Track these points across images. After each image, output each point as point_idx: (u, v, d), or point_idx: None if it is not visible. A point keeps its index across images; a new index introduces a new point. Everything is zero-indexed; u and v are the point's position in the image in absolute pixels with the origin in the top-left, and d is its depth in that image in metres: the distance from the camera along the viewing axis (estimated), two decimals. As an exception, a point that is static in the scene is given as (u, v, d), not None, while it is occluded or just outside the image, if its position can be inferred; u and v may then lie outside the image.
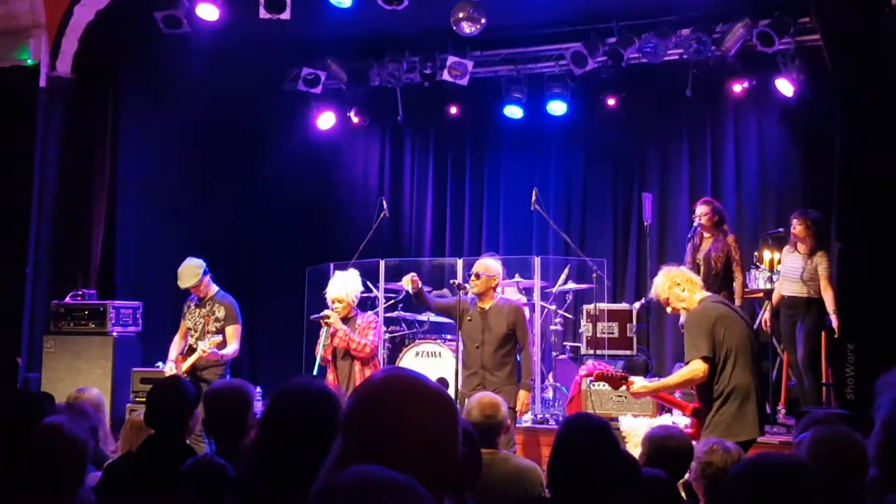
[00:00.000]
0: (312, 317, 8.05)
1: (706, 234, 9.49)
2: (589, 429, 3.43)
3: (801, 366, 9.13)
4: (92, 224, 10.10)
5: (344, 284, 7.97)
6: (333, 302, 7.87)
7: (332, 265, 10.21)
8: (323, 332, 7.79)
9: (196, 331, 8.11)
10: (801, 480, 2.59)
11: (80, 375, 8.87)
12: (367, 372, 7.76)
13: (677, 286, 6.31)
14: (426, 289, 8.29)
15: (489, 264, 8.03)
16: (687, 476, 4.43)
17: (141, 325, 9.64)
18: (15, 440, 3.52)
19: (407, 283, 7.90)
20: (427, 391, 1.89)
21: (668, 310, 6.58)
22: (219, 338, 7.91)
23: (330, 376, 7.89)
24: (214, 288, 8.21)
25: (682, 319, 6.88)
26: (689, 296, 6.29)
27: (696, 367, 6.03)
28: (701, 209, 9.50)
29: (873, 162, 7.81)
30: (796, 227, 9.17)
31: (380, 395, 1.88)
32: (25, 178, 9.63)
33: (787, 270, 9.32)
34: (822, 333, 8.98)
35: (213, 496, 3.51)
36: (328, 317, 7.74)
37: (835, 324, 8.73)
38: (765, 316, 9.63)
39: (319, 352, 7.78)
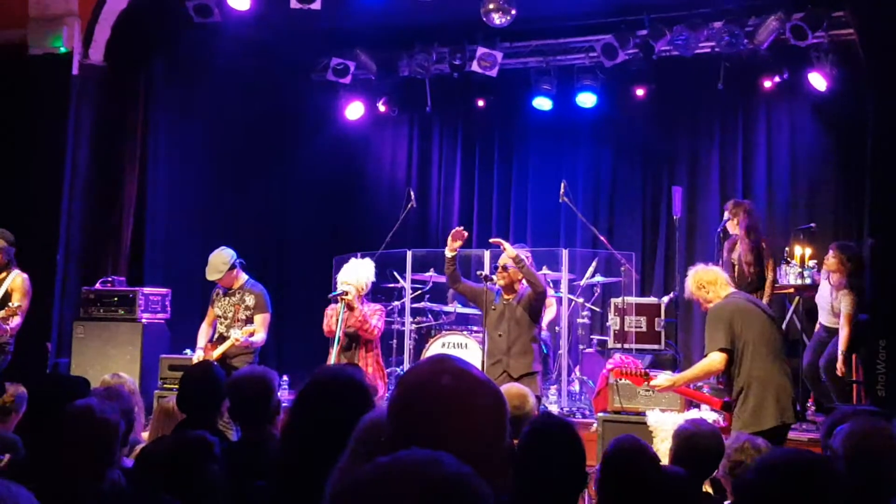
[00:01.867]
0: (330, 295, 8.07)
1: (740, 236, 9.39)
2: (556, 430, 3.46)
3: (824, 366, 9.06)
4: (122, 211, 10.18)
5: (355, 271, 8.02)
6: (342, 283, 7.92)
7: (359, 255, 10.26)
8: (340, 308, 7.83)
9: (226, 318, 8.16)
10: (818, 475, 2.61)
11: (109, 361, 8.94)
12: (370, 359, 7.89)
13: (702, 289, 6.50)
14: None
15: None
16: (716, 472, 4.43)
17: (169, 312, 9.70)
18: (54, 422, 3.58)
19: (452, 241, 7.88)
20: (475, 380, 1.88)
21: (702, 308, 6.73)
22: (252, 327, 7.97)
23: (340, 358, 7.95)
24: (244, 277, 8.26)
25: None
26: (714, 295, 6.44)
27: (713, 359, 6.18)
28: (727, 216, 9.40)
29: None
30: (830, 259, 8.96)
31: (429, 382, 1.87)
32: (57, 165, 9.71)
33: (821, 299, 9.25)
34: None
35: (200, 468, 3.59)
36: (346, 293, 7.79)
37: (840, 364, 8.65)
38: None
39: (338, 329, 7.79)
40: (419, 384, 1.88)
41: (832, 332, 9.09)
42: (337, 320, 7.79)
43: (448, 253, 7.90)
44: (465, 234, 7.97)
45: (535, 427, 3.50)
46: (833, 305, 9.03)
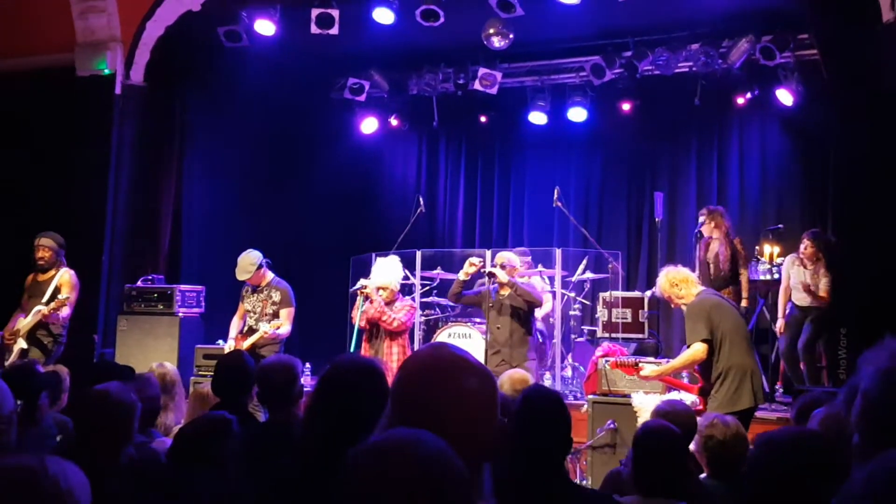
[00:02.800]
0: (352, 290, 8.09)
1: (714, 237, 9.37)
2: (548, 400, 3.47)
3: (801, 349, 9.03)
4: (161, 216, 10.21)
5: (388, 272, 8.02)
6: (378, 289, 7.91)
7: (373, 255, 10.27)
8: (359, 300, 7.85)
9: (255, 313, 8.18)
10: (817, 449, 2.64)
11: (149, 351, 8.97)
12: (395, 348, 7.86)
13: (675, 286, 6.53)
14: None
15: (511, 257, 8.13)
16: (691, 447, 4.45)
17: (204, 307, 9.72)
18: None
19: (469, 267, 7.90)
20: (469, 365, 1.89)
21: (673, 305, 6.74)
22: (279, 321, 8.01)
23: (364, 348, 7.97)
24: (270, 275, 8.29)
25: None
26: (686, 293, 6.48)
27: (697, 349, 6.22)
28: (702, 220, 9.37)
29: (864, 164, 7.79)
30: (808, 248, 9.00)
31: (426, 366, 1.89)
32: (102, 175, 9.75)
33: (793, 280, 9.18)
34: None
35: (217, 443, 3.64)
36: (365, 286, 7.82)
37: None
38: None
39: (358, 319, 7.82)
40: (417, 368, 1.91)
41: (804, 310, 9.06)
42: (358, 312, 7.84)
43: (462, 276, 7.92)
44: (480, 265, 7.95)
45: (527, 395, 3.53)
46: (809, 284, 8.97)
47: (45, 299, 8.08)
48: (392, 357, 7.80)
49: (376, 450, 1.51)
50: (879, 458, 1.45)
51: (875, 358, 2.16)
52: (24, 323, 8.05)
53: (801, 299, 9.07)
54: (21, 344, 8.01)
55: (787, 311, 9.26)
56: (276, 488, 2.98)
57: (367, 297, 7.82)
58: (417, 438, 1.53)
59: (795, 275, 9.16)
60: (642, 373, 6.68)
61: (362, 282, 7.92)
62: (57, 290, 8.16)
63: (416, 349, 9.00)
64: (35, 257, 8.27)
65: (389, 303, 7.89)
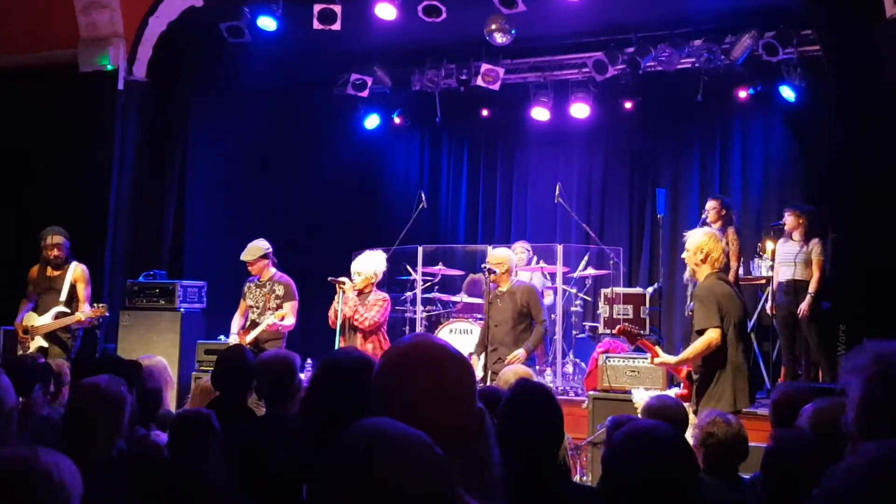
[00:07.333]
0: (329, 279, 7.98)
1: (715, 226, 9.34)
2: (534, 395, 3.45)
3: (817, 350, 8.94)
4: (164, 212, 10.21)
5: (368, 261, 7.98)
6: (355, 274, 7.88)
7: (378, 250, 10.27)
8: (338, 296, 7.80)
9: (258, 307, 8.21)
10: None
11: (151, 346, 8.96)
12: (368, 346, 7.69)
13: (699, 251, 6.17)
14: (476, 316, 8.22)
15: (497, 254, 7.96)
16: (689, 440, 4.44)
17: (205, 303, 9.72)
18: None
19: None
20: (447, 354, 1.91)
21: (687, 267, 6.46)
22: (283, 311, 8.02)
23: (341, 344, 7.89)
24: (272, 270, 8.32)
25: (688, 304, 6.85)
26: (703, 265, 6.18)
27: (711, 336, 5.92)
28: (710, 204, 9.36)
29: (866, 160, 7.78)
30: (787, 220, 9.13)
31: (405, 357, 1.91)
32: (105, 170, 9.76)
33: (780, 257, 9.20)
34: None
35: (200, 440, 3.67)
36: (343, 283, 7.75)
37: (805, 307, 8.66)
38: (768, 304, 9.55)
39: (339, 317, 7.71)
40: (397, 359, 1.92)
41: (791, 291, 8.98)
42: (336, 310, 7.77)
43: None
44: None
45: (515, 389, 3.50)
46: (798, 254, 8.92)
47: (62, 297, 8.11)
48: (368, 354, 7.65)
49: (354, 443, 1.52)
50: (858, 452, 1.46)
51: (857, 364, 2.17)
52: (41, 322, 8.04)
53: (787, 274, 9.04)
54: (40, 342, 8.02)
55: (777, 299, 9.29)
56: (271, 482, 2.99)
57: (344, 294, 7.76)
58: (393, 430, 1.54)
59: (783, 249, 9.19)
60: (656, 361, 6.51)
61: (343, 279, 7.86)
62: (73, 288, 8.19)
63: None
64: (48, 256, 8.23)
65: (363, 292, 7.81)
